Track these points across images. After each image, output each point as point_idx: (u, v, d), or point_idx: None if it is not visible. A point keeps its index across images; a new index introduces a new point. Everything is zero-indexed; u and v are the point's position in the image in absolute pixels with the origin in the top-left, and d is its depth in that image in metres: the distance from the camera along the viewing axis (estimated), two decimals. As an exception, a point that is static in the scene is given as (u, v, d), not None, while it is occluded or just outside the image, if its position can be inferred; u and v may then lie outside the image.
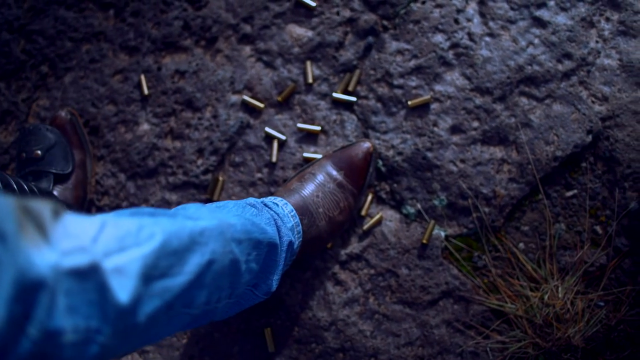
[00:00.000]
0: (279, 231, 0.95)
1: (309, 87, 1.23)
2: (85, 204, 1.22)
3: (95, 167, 1.25)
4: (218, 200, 1.21)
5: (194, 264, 0.69)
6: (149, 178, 1.23)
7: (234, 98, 1.24)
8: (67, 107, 1.24)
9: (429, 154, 1.19)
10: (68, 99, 1.28)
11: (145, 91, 1.25)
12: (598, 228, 1.15)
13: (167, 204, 1.22)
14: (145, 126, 1.25)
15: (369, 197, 1.18)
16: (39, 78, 1.30)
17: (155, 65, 1.27)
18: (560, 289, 1.12)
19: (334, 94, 1.21)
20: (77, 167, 1.20)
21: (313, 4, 1.24)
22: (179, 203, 1.22)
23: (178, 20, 1.28)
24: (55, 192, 1.15)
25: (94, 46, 1.30)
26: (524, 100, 1.19)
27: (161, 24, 1.28)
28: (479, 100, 1.20)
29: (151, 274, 0.62)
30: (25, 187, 1.03)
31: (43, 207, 0.55)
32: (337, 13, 1.25)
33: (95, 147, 1.26)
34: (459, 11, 1.23)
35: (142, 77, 1.26)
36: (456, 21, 1.23)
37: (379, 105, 1.21)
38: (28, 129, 1.18)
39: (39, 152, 1.15)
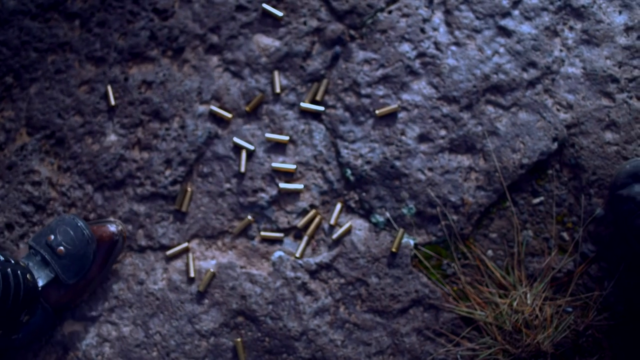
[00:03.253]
0: None
1: (276, 97, 1.21)
2: (70, 306, 1.17)
3: (62, 179, 1.22)
4: (187, 211, 1.18)
5: None
6: (117, 189, 1.20)
7: (202, 108, 1.21)
8: (121, 226, 1.16)
9: (397, 163, 1.18)
10: (33, 110, 1.24)
11: (112, 102, 1.22)
12: (565, 234, 1.15)
13: (135, 215, 1.19)
14: (112, 137, 1.22)
15: (338, 206, 1.17)
16: (3, 89, 1.27)
17: (122, 75, 1.24)
18: (529, 295, 1.11)
19: (302, 104, 1.20)
20: (81, 280, 1.13)
21: (280, 14, 1.23)
22: (147, 214, 1.19)
23: (145, 30, 1.25)
24: (40, 283, 1.09)
25: (60, 57, 1.27)
26: (490, 108, 1.19)
27: (128, 34, 1.25)
28: (446, 109, 1.19)
29: None
30: (10, 272, 1.00)
31: None
32: (304, 23, 1.23)
33: (62, 158, 1.22)
34: (425, 20, 1.23)
35: (109, 88, 1.23)
36: (422, 30, 1.22)
37: (347, 114, 1.20)
38: (74, 222, 1.10)
39: (63, 250, 1.08)
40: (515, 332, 1.10)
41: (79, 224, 1.10)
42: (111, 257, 1.15)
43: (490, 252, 1.16)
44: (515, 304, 1.10)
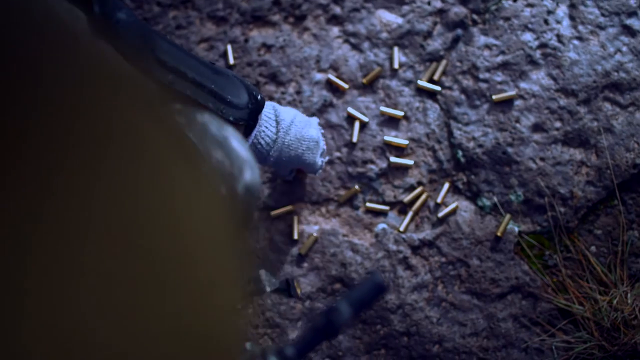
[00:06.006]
0: None
1: (394, 73, 1.21)
2: None
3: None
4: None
5: None
6: (228, 146, 1.21)
7: (319, 76, 1.22)
8: None
9: (510, 149, 1.17)
10: (151, 62, 1.26)
11: (231, 61, 1.23)
12: (671, 239, 1.13)
13: (243, 174, 1.20)
14: (228, 95, 1.23)
15: (446, 186, 1.16)
16: (123, 39, 1.28)
17: (242, 36, 1.25)
18: (629, 294, 1.10)
19: (419, 82, 1.19)
20: None
21: (405, -9, 1.22)
22: (254, 174, 1.20)
23: (269, -6, 1.26)
24: None
25: (182, 13, 1.28)
26: (607, 105, 1.17)
27: (252, -3, 1.26)
28: (563, 101, 1.18)
29: None
30: None
31: None
32: (429, 3, 1.23)
33: (176, 111, 1.24)
34: (549, 12, 1.21)
35: (229, 47, 1.24)
36: (546, 22, 1.21)
37: (462, 97, 1.19)
38: None
39: None
40: (613, 330, 1.09)
41: None
42: None
43: (593, 248, 1.14)
44: (615, 301, 1.09)
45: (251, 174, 0.62)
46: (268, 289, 1.04)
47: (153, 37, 0.77)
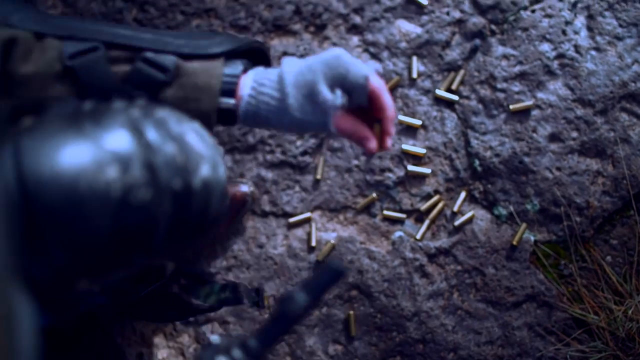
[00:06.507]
0: None
1: (412, 82, 1.22)
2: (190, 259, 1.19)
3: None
4: (321, 179, 1.21)
5: None
6: (247, 154, 1.23)
7: (338, 85, 1.23)
8: (253, 187, 1.18)
9: (526, 159, 1.17)
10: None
11: (252, 69, 1.25)
12: (688, 250, 1.13)
13: (262, 181, 1.22)
14: (248, 103, 1.25)
15: (463, 195, 1.17)
16: (147, 47, 1.31)
17: (263, 45, 1.27)
18: (645, 305, 1.10)
19: (437, 91, 1.20)
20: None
21: (425, 2, 1.23)
22: (274, 181, 1.22)
23: (290, 4, 1.28)
24: None
25: (205, 21, 1.31)
26: (624, 116, 1.17)
27: (273, 6, 1.28)
28: (580, 112, 1.18)
29: None
30: None
31: None
32: (447, 13, 1.24)
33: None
34: (567, 23, 1.22)
35: (250, 56, 1.26)
36: (564, 32, 1.21)
37: (480, 106, 1.20)
38: None
39: None
40: (628, 340, 1.09)
41: None
42: (238, 215, 1.18)
43: (609, 258, 1.14)
44: (630, 312, 1.09)
45: (209, 169, 0.63)
46: (245, 301, 1.03)
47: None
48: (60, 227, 0.56)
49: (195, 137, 0.65)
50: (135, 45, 0.73)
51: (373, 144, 0.76)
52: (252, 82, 0.75)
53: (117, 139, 0.59)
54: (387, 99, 0.76)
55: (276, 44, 1.26)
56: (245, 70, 0.77)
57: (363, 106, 0.78)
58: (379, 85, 0.75)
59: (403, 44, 1.23)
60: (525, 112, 1.18)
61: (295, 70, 0.75)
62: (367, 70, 0.75)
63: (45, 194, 0.56)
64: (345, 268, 0.61)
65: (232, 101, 0.75)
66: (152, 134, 0.61)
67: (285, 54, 1.26)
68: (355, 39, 1.25)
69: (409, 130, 1.20)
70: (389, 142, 0.77)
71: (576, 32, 1.21)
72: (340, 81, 0.74)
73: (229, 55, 0.77)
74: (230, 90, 0.75)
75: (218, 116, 0.75)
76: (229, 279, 1.19)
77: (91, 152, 0.58)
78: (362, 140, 0.77)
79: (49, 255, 0.57)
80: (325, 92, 0.73)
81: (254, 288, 1.03)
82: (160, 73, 0.72)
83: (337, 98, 0.74)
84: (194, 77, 0.73)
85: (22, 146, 0.57)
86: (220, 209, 0.68)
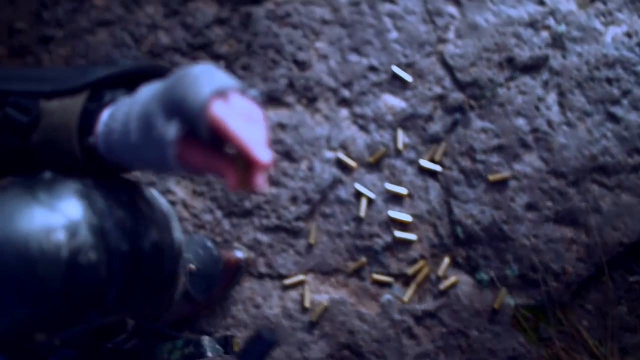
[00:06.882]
0: None
1: (398, 153, 1.30)
2: (189, 320, 1.22)
3: (195, 202, 1.32)
4: (314, 243, 1.27)
5: None
6: (244, 218, 1.29)
7: (329, 154, 1.31)
8: (247, 253, 1.24)
9: (505, 227, 1.25)
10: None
11: (248, 139, 1.33)
12: (656, 313, 1.20)
13: (258, 244, 1.28)
14: (244, 171, 1.32)
15: (446, 260, 1.24)
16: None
17: (259, 116, 1.35)
18: (618, 366, 1.16)
19: (421, 162, 1.28)
20: (206, 297, 1.17)
21: (409, 78, 1.33)
22: (269, 244, 1.28)
23: (284, 78, 1.36)
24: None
25: (202, 92, 1.38)
26: (595, 187, 1.26)
27: (268, 79, 1.37)
28: (554, 183, 1.27)
29: None
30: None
31: None
32: (429, 89, 1.33)
33: (197, 184, 1.33)
34: (540, 99, 1.32)
35: (246, 126, 1.33)
36: (537, 108, 1.31)
37: (461, 176, 1.29)
38: (204, 243, 1.16)
39: (194, 267, 1.13)
40: (603, 400, 1.15)
41: (208, 245, 1.18)
42: (234, 280, 1.23)
43: (585, 322, 1.21)
44: (605, 373, 1.16)
45: (158, 232, 0.71)
46: (209, 354, 1.05)
47: None
48: (15, 283, 0.61)
49: (146, 203, 0.71)
50: (2, 89, 0.71)
51: (231, 180, 0.62)
52: (106, 117, 0.68)
53: (68, 205, 0.64)
54: (236, 128, 0.60)
55: (271, 114, 1.34)
56: (111, 101, 0.70)
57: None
58: (222, 114, 0.60)
59: (389, 117, 1.32)
60: (503, 183, 1.27)
61: (143, 99, 0.65)
62: (209, 93, 0.60)
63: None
64: (275, 337, 0.65)
65: (91, 139, 0.69)
66: (100, 201, 0.66)
67: (279, 124, 1.33)
68: (344, 111, 1.33)
69: (395, 198, 1.28)
70: (258, 179, 0.60)
71: (548, 108, 1.31)
72: (177, 109, 0.62)
73: (106, 85, 0.71)
74: (89, 126, 0.69)
75: (86, 154, 0.70)
76: (195, 334, 1.23)
77: (42, 217, 0.62)
78: (219, 176, 0.65)
79: (5, 308, 0.62)
80: (158, 124, 0.62)
81: (223, 336, 1.04)
82: (25, 116, 0.70)
83: (168, 130, 0.62)
84: (51, 117, 0.69)
85: None
86: (173, 268, 0.72)
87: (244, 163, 0.61)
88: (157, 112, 0.63)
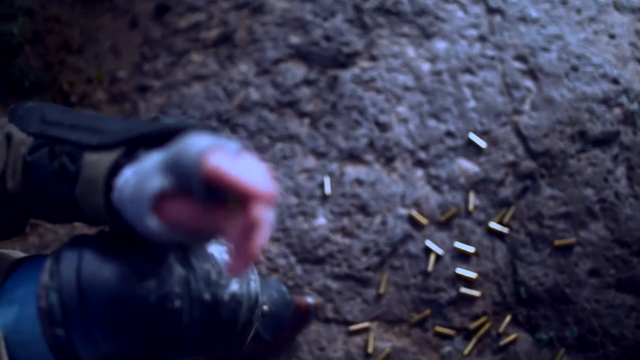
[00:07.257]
0: None
1: (468, 214, 1.67)
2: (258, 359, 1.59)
3: (271, 246, 1.71)
4: (384, 293, 1.63)
5: None
6: (317, 265, 1.68)
7: (402, 211, 1.69)
8: (317, 300, 1.61)
9: (567, 290, 1.59)
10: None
11: (328, 191, 1.73)
12: None
13: (327, 290, 1.66)
14: (321, 220, 1.71)
15: (508, 318, 1.58)
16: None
17: (338, 171, 1.75)
18: None
19: (490, 224, 1.65)
20: (275, 338, 1.53)
21: (483, 145, 1.71)
22: (338, 291, 1.65)
23: (364, 137, 1.77)
24: None
25: (287, 145, 1.80)
26: (659, 259, 1.59)
27: (350, 138, 1.78)
28: (618, 251, 1.60)
29: None
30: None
31: None
32: (503, 156, 1.71)
33: (274, 230, 1.73)
34: (609, 172, 1.67)
35: (326, 179, 1.74)
36: (605, 180, 1.66)
37: (528, 239, 1.64)
38: (279, 287, 1.51)
39: (267, 309, 1.49)
40: None
41: (282, 289, 1.56)
42: (303, 324, 1.60)
43: (641, 388, 1.52)
44: None
45: (238, 285, 0.90)
46: None
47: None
48: (106, 321, 0.82)
49: (226, 257, 0.93)
50: (62, 138, 0.84)
51: (229, 230, 0.66)
52: (127, 174, 0.77)
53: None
54: (234, 170, 0.64)
55: (350, 170, 1.74)
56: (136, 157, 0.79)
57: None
58: (219, 162, 0.65)
59: (462, 180, 1.70)
60: (568, 248, 1.61)
61: (154, 157, 0.75)
62: (204, 148, 0.67)
63: (94, 295, 0.82)
64: None
65: (113, 195, 0.79)
66: (189, 255, 0.89)
67: (357, 180, 1.73)
68: (420, 172, 1.72)
69: (463, 257, 1.64)
70: (258, 212, 0.63)
71: (617, 180, 1.66)
72: (173, 165, 0.70)
73: (145, 142, 0.79)
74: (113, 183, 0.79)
75: (109, 209, 0.80)
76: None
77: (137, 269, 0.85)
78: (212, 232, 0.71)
79: (96, 342, 0.83)
80: (151, 178, 0.72)
81: None
82: (74, 165, 0.82)
83: (155, 181, 0.70)
84: (88, 170, 0.81)
85: (84, 255, 0.85)
86: (249, 317, 0.95)
87: (242, 215, 0.64)
88: (154, 170, 0.72)
